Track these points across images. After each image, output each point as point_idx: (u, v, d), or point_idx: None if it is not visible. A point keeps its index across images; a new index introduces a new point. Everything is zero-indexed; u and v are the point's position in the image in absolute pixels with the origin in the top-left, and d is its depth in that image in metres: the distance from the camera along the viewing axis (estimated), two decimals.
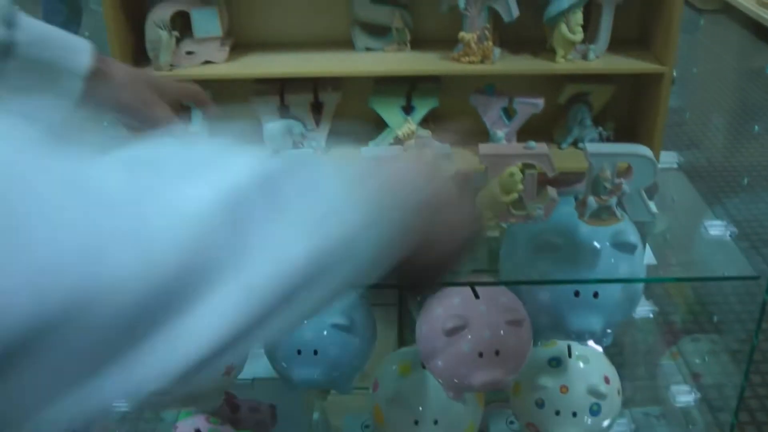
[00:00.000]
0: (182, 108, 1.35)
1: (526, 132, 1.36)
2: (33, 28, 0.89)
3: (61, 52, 0.91)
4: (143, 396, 0.49)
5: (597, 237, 1.23)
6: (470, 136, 1.12)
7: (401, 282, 0.70)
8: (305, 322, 1.21)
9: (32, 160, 0.41)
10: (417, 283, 0.73)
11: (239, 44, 1.47)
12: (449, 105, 1.40)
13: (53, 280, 0.39)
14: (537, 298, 1.28)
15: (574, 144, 1.39)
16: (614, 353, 1.61)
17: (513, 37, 1.49)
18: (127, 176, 0.44)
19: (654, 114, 1.42)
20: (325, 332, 1.27)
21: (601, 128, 1.38)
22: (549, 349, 1.47)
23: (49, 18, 4.52)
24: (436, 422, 1.37)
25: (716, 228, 1.29)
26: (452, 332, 1.21)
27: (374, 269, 0.56)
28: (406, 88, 1.37)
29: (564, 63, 1.45)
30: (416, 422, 1.37)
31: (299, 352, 1.27)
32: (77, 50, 0.94)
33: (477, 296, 1.25)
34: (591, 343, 1.46)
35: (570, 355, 1.46)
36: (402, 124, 1.32)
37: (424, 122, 1.36)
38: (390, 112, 1.34)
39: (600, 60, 1.48)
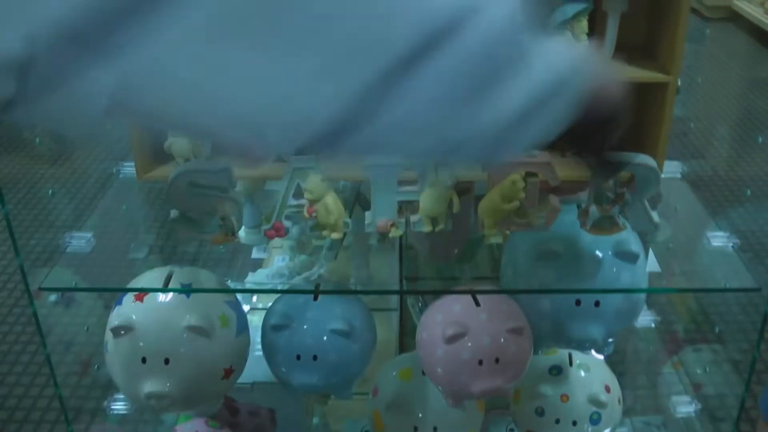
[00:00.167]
0: None
1: None
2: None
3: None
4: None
5: (599, 246, 1.23)
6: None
7: (583, 142, 0.85)
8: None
9: None
10: (595, 142, 0.85)
11: None
12: None
13: None
14: (538, 306, 1.28)
15: (579, 153, 1.38)
16: (615, 362, 1.61)
17: None
18: None
19: (658, 123, 1.41)
20: (324, 338, 1.27)
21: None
22: (550, 357, 1.46)
23: None
24: (435, 429, 1.37)
25: (719, 239, 1.28)
26: (452, 339, 1.21)
27: (571, 111, 0.68)
28: None
29: None
30: (415, 428, 1.37)
31: (298, 357, 1.27)
32: None
33: (477, 304, 1.24)
34: (592, 351, 1.45)
35: (571, 364, 1.46)
36: None
37: None
38: None
39: None
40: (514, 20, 0.60)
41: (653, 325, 1.77)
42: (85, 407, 2.22)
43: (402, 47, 0.53)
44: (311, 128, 0.56)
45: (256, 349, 1.34)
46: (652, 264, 1.45)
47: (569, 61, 0.68)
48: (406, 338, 1.68)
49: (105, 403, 1.58)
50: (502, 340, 1.22)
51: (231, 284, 1.70)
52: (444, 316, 1.24)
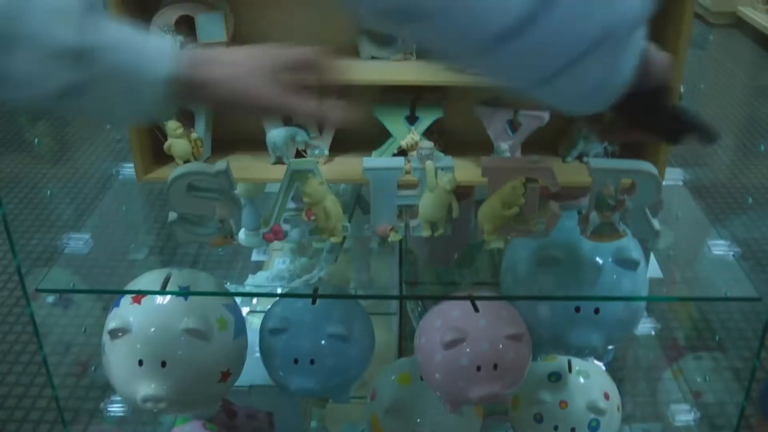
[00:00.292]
0: (186, 112, 1.35)
1: (531, 145, 1.35)
2: (111, 31, 0.84)
3: (140, 57, 0.85)
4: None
5: (599, 253, 1.22)
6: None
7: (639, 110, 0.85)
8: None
9: None
10: (649, 109, 0.87)
11: None
12: (454, 116, 1.39)
13: None
14: (537, 312, 1.27)
15: (579, 158, 1.38)
16: (615, 369, 1.60)
17: None
18: None
19: None
20: (322, 342, 1.26)
21: (606, 143, 1.36)
22: (549, 364, 1.46)
23: None
24: None
25: (720, 247, 1.28)
26: (451, 345, 1.20)
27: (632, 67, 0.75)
28: (410, 98, 1.36)
29: None
30: None
31: (296, 361, 1.26)
32: (158, 54, 0.87)
33: (476, 309, 1.24)
34: (592, 358, 1.45)
35: (570, 370, 1.46)
36: (406, 134, 1.32)
37: (429, 133, 1.35)
38: (394, 122, 1.33)
39: None
40: None
41: (653, 332, 1.76)
42: (83, 408, 2.22)
43: None
44: (502, 19, 0.62)
45: (255, 352, 1.34)
46: (654, 270, 1.45)
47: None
48: (406, 342, 1.67)
49: (102, 404, 1.57)
50: (501, 346, 1.21)
51: (230, 287, 1.70)
52: (443, 322, 1.24)
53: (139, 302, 1.21)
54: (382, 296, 1.81)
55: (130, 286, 1.24)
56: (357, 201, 1.58)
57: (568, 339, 1.25)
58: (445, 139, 1.42)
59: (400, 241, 1.28)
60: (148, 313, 1.20)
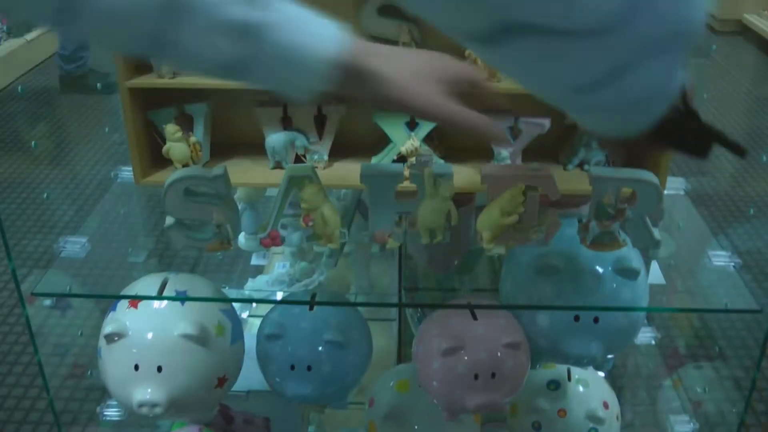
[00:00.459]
0: (185, 117, 1.35)
1: (532, 152, 1.34)
2: (281, 9, 0.82)
3: (307, 37, 0.83)
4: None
5: (599, 262, 1.21)
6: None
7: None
8: None
9: None
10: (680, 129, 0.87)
11: None
12: None
13: None
14: (536, 321, 1.27)
15: (580, 166, 1.37)
16: (615, 377, 1.59)
17: None
18: None
19: None
20: (319, 348, 1.25)
21: (616, 158, 1.36)
22: (548, 372, 1.46)
23: None
24: None
25: (720, 258, 1.27)
26: (448, 353, 1.20)
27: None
28: None
29: None
30: None
31: (293, 367, 1.26)
32: (327, 36, 0.85)
33: (475, 317, 1.23)
34: (591, 368, 1.44)
35: (569, 379, 1.45)
36: (406, 140, 1.31)
37: (429, 139, 1.34)
38: (394, 128, 1.33)
39: None
40: None
41: (653, 341, 1.76)
42: (81, 411, 2.22)
43: None
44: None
45: (254, 356, 1.33)
46: (656, 276, 1.44)
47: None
48: (405, 348, 1.67)
49: (99, 408, 1.57)
50: (499, 354, 1.20)
51: (228, 291, 1.69)
52: (441, 329, 1.23)
53: (135, 307, 1.21)
54: (380, 304, 1.81)
55: (128, 291, 1.23)
56: (357, 206, 1.58)
57: (568, 348, 1.25)
58: (445, 145, 1.42)
59: (400, 247, 1.28)
60: (144, 317, 1.20)
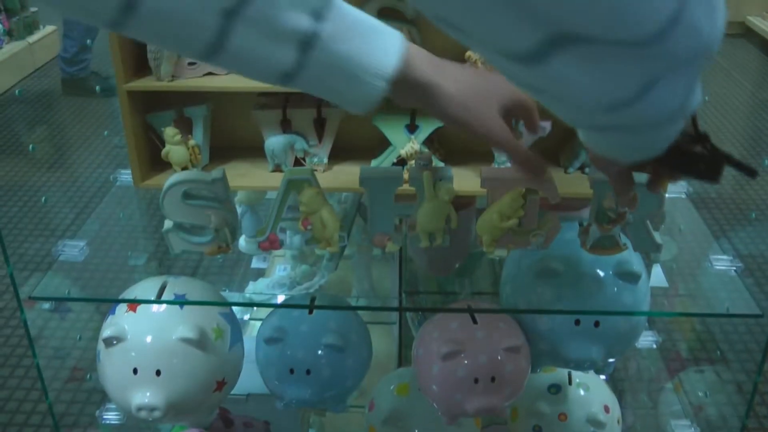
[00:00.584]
0: (184, 120, 1.34)
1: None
2: (342, 19, 0.82)
3: (366, 48, 0.82)
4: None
5: (600, 265, 1.21)
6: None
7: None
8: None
9: None
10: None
11: None
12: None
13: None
14: (537, 324, 1.26)
15: (581, 169, 1.37)
16: (616, 381, 1.59)
17: None
18: None
19: None
20: (318, 352, 1.25)
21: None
22: (549, 375, 1.45)
23: (69, 25, 4.54)
24: None
25: (722, 262, 1.27)
26: (448, 357, 1.19)
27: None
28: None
29: None
30: None
31: (292, 371, 1.25)
32: (386, 47, 0.84)
33: (475, 321, 1.23)
34: (592, 372, 1.43)
35: (570, 382, 1.45)
36: (406, 143, 1.31)
37: (429, 142, 1.34)
38: (394, 131, 1.32)
39: None
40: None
41: (655, 346, 1.75)
42: (82, 414, 2.21)
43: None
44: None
45: (253, 359, 1.32)
46: (659, 279, 1.43)
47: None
48: (406, 351, 1.66)
49: (98, 412, 1.57)
50: (499, 358, 1.20)
51: (228, 294, 1.69)
52: (440, 333, 1.23)
53: (134, 310, 1.20)
54: (380, 308, 1.80)
55: (126, 294, 1.23)
56: (358, 209, 1.58)
57: (568, 352, 1.24)
58: (445, 148, 1.41)
59: (401, 250, 1.27)
60: (143, 321, 1.20)
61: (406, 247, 1.20)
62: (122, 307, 1.21)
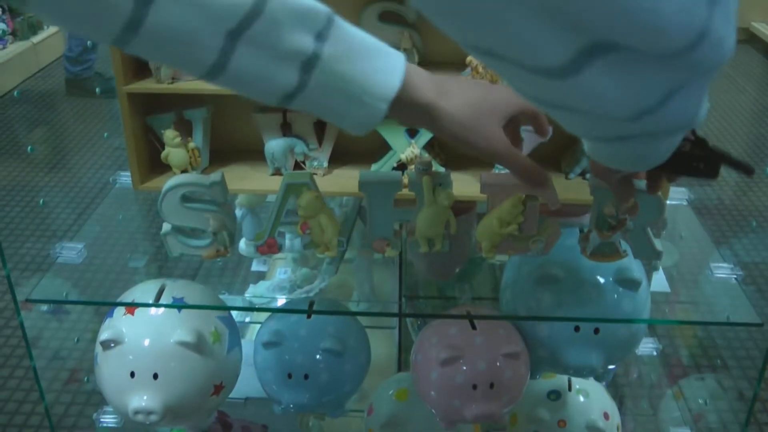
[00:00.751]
0: (184, 122, 1.34)
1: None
2: (344, 40, 0.82)
3: (366, 70, 0.82)
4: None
5: (600, 272, 1.20)
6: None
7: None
8: None
9: None
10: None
11: None
12: None
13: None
14: (536, 331, 1.25)
15: (582, 175, 1.36)
16: (616, 387, 1.58)
17: None
18: None
19: None
20: (316, 356, 1.24)
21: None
22: (549, 382, 1.44)
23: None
24: None
25: (722, 270, 1.26)
26: (447, 363, 1.19)
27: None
28: None
29: None
30: None
31: (290, 375, 1.25)
32: (387, 69, 0.84)
33: (474, 327, 1.22)
34: (591, 379, 1.43)
35: (570, 389, 1.44)
36: (406, 147, 1.30)
37: (429, 146, 1.34)
38: (394, 135, 1.32)
39: None
40: None
41: (655, 352, 1.75)
42: (82, 415, 2.21)
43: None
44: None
45: (252, 363, 1.32)
46: (662, 284, 1.42)
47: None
48: (406, 355, 1.66)
49: (95, 415, 1.56)
50: (498, 364, 1.19)
51: (227, 297, 1.68)
52: (439, 339, 1.22)
53: (132, 313, 1.20)
54: (379, 314, 1.80)
55: (125, 297, 1.23)
56: (359, 213, 1.57)
57: (568, 359, 1.23)
58: (445, 153, 1.41)
59: (401, 255, 1.27)
60: (141, 324, 1.19)
61: (406, 251, 1.19)
62: (120, 310, 1.21)
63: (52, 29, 5.44)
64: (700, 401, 1.81)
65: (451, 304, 1.65)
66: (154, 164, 1.35)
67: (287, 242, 1.55)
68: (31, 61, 5.21)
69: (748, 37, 5.88)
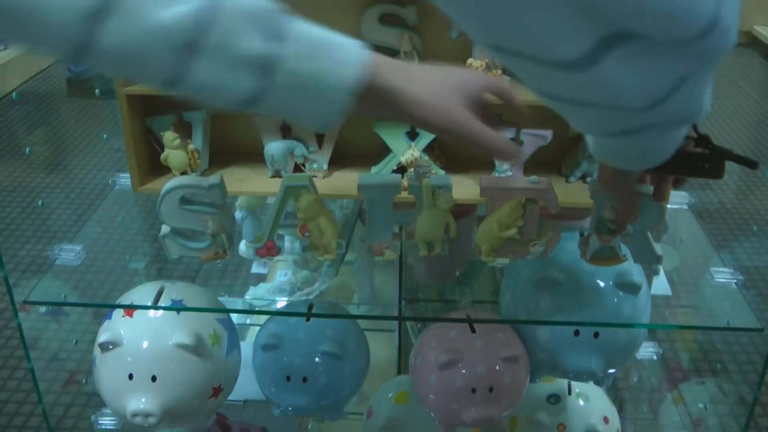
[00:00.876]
0: (184, 124, 1.34)
1: (534, 164, 1.33)
2: (301, 38, 0.80)
3: (327, 65, 0.81)
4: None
5: (600, 276, 1.20)
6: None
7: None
8: None
9: None
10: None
11: None
12: None
13: None
14: (536, 335, 1.25)
15: (583, 178, 1.36)
16: (616, 391, 1.58)
17: None
18: None
19: None
20: (315, 359, 1.24)
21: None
22: (548, 385, 1.44)
23: None
24: None
25: (722, 275, 1.26)
26: (446, 366, 1.18)
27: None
28: None
29: None
30: None
31: (288, 378, 1.25)
32: (348, 60, 0.82)
33: (473, 330, 1.22)
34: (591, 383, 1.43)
35: (570, 393, 1.44)
36: (406, 150, 1.30)
37: (429, 149, 1.33)
38: (394, 138, 1.32)
39: None
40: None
41: (655, 356, 1.74)
42: (81, 417, 2.21)
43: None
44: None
45: (251, 365, 1.32)
46: (663, 287, 1.42)
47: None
48: (405, 358, 1.66)
49: (93, 417, 1.56)
50: (497, 368, 1.19)
51: (226, 300, 1.68)
52: (439, 342, 1.22)
53: (130, 315, 1.20)
54: (379, 317, 1.79)
55: (123, 299, 1.22)
56: (359, 215, 1.57)
57: (567, 363, 1.23)
58: (446, 155, 1.41)
59: (401, 258, 1.27)
60: (139, 326, 1.19)
61: (406, 254, 1.19)
62: (119, 312, 1.21)
63: None
64: (701, 405, 1.80)
65: (451, 308, 1.64)
66: (154, 166, 1.35)
67: (287, 245, 1.55)
68: (32, 63, 5.21)
69: (750, 41, 5.87)
